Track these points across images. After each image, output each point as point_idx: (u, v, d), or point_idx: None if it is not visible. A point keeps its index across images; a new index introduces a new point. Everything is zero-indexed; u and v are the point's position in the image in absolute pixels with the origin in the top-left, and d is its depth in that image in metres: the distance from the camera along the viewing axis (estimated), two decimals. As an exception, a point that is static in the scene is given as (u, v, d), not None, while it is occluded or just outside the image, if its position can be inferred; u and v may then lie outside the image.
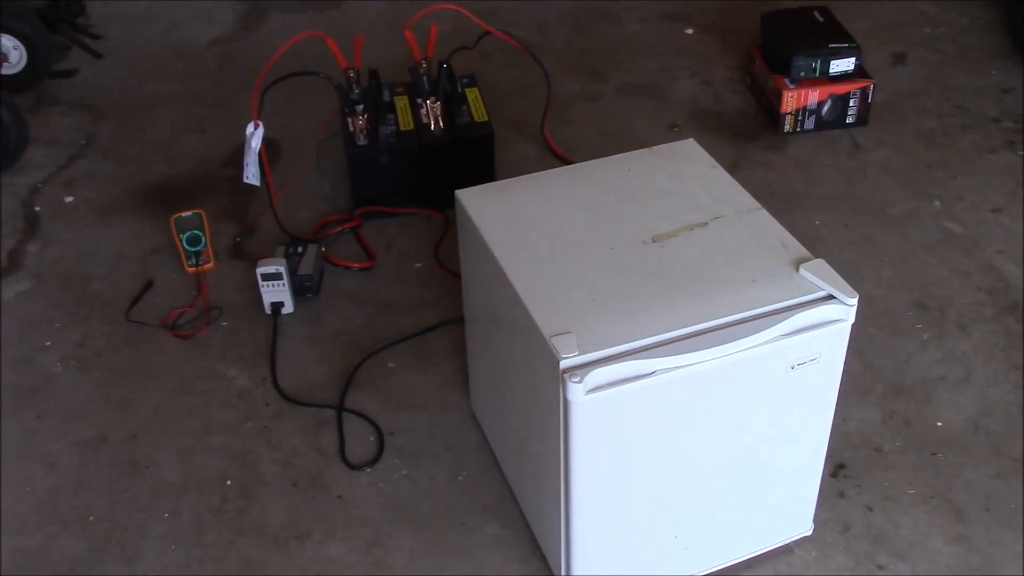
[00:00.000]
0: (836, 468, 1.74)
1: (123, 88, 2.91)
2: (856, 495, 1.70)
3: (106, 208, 2.44)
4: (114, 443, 1.84)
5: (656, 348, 1.27)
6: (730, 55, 2.97)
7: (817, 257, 1.39)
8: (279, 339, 2.04)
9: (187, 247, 2.20)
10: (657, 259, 1.41)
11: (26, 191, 2.50)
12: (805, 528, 1.62)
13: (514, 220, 1.49)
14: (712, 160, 1.62)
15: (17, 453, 1.82)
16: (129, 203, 2.45)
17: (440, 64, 2.32)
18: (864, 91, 2.58)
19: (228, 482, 1.76)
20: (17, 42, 2.76)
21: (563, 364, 1.25)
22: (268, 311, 2.08)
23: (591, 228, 1.47)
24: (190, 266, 2.21)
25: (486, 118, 2.36)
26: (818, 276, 1.36)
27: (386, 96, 2.41)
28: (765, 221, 1.48)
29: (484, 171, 2.36)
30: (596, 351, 1.26)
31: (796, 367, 1.36)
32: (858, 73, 2.59)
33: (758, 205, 1.51)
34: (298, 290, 2.11)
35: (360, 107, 2.25)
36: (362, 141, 2.28)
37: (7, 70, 2.76)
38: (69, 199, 2.47)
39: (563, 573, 1.49)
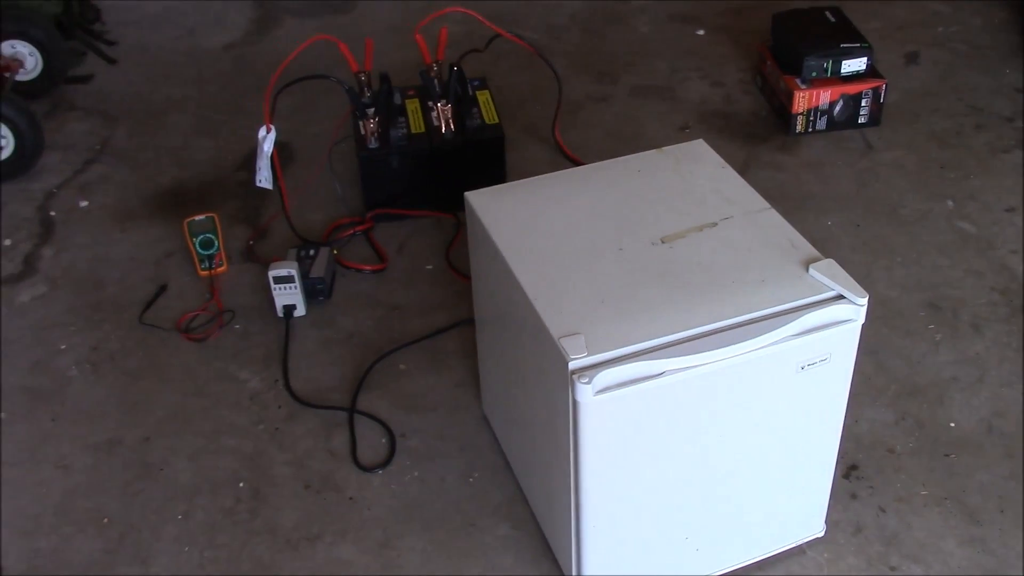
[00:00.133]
0: (848, 469, 1.74)
1: (137, 93, 2.93)
2: (868, 496, 1.69)
3: (120, 212, 2.45)
4: (128, 445, 1.85)
5: (665, 349, 1.27)
6: (741, 56, 2.96)
7: (829, 257, 1.39)
8: (291, 341, 2.05)
9: (200, 250, 2.21)
10: (666, 260, 1.41)
11: (42, 196, 2.52)
12: (817, 529, 1.62)
13: (523, 221, 1.50)
14: (721, 160, 1.62)
15: (32, 455, 1.84)
16: (143, 207, 2.47)
17: (451, 67, 2.33)
18: (876, 91, 2.57)
19: (240, 484, 1.77)
20: (33, 48, 2.78)
21: (572, 365, 1.25)
22: (280, 314, 2.09)
23: (600, 229, 1.47)
24: (203, 269, 2.22)
25: (497, 120, 2.36)
26: (828, 276, 1.35)
27: (397, 99, 2.42)
28: (774, 221, 1.48)
29: (495, 173, 2.36)
30: (605, 352, 1.26)
31: (806, 367, 1.36)
32: (870, 73, 2.58)
33: (767, 205, 1.51)
34: (310, 293, 2.11)
35: (371, 110, 2.26)
36: (373, 144, 2.29)
37: (23, 76, 2.78)
38: (84, 204, 2.49)
39: (574, 574, 1.49)
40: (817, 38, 2.60)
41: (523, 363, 1.49)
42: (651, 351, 1.27)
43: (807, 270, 1.37)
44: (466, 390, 1.92)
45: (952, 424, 1.82)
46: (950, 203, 2.36)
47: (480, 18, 2.33)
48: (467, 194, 1.56)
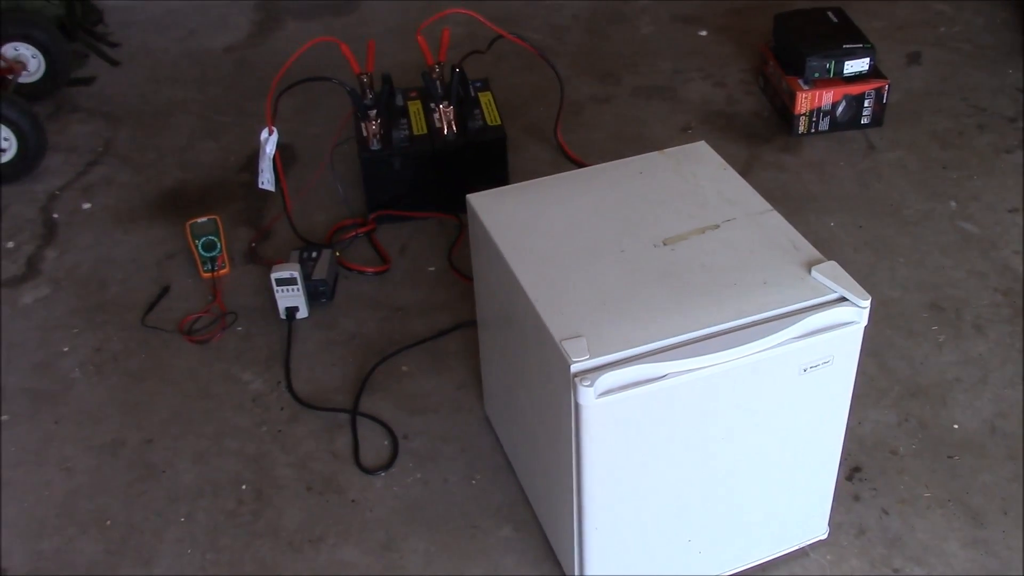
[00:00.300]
0: (851, 471, 1.73)
1: (140, 95, 2.94)
2: (871, 498, 1.69)
3: (123, 214, 2.46)
4: (130, 447, 1.85)
5: (667, 351, 1.27)
6: (743, 57, 2.96)
7: (831, 259, 1.39)
8: (293, 343, 2.05)
9: (203, 252, 2.21)
10: (668, 262, 1.41)
11: (45, 197, 2.52)
12: (820, 531, 1.61)
13: (525, 223, 1.50)
14: (723, 162, 1.62)
15: (35, 457, 1.84)
16: (146, 209, 2.47)
17: (453, 68, 2.33)
18: (879, 91, 2.57)
19: (243, 486, 1.77)
20: (35, 50, 2.79)
21: (574, 368, 1.25)
22: (283, 316, 2.09)
23: (602, 231, 1.47)
24: (206, 271, 2.22)
25: (499, 122, 2.36)
26: (830, 278, 1.35)
27: (399, 101, 2.42)
28: (777, 223, 1.48)
29: (497, 175, 2.36)
30: (607, 355, 1.26)
31: (808, 370, 1.36)
32: (873, 73, 2.57)
33: (770, 207, 1.51)
34: (312, 295, 2.12)
35: (373, 112, 2.26)
36: (375, 146, 2.29)
37: (26, 78, 2.79)
38: (87, 205, 2.49)
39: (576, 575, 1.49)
40: (819, 38, 2.59)
41: (525, 365, 1.49)
42: (653, 354, 1.27)
43: (809, 272, 1.37)
44: (468, 392, 1.92)
45: (955, 425, 1.82)
46: (953, 204, 2.36)
47: (482, 19, 2.33)
48: (469, 196, 1.56)
